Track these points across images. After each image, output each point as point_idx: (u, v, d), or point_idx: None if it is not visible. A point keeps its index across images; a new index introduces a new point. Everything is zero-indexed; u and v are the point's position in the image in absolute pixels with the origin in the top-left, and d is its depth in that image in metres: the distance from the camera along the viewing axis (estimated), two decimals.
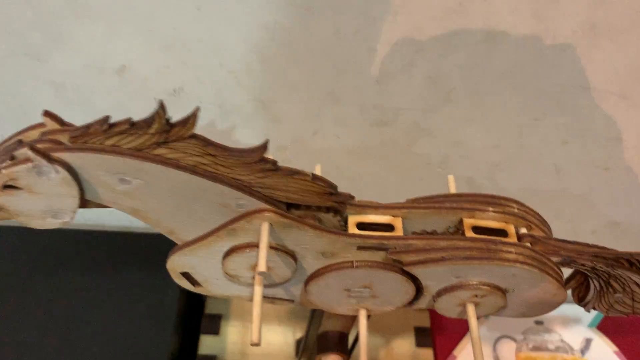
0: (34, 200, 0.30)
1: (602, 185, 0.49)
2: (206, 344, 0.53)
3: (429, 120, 0.43)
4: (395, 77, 0.40)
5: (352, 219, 0.35)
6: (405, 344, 0.55)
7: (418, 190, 0.51)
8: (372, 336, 0.55)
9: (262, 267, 0.30)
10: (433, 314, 0.57)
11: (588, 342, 0.60)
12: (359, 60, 0.39)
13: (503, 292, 0.35)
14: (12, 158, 0.28)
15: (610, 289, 0.36)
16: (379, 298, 0.36)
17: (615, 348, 0.60)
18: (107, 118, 0.27)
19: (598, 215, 0.52)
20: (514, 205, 0.36)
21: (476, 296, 0.35)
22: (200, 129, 0.45)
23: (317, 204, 0.33)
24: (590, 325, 0.60)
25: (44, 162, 0.27)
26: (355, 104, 0.42)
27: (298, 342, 0.54)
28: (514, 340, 0.58)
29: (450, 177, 0.42)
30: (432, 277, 0.35)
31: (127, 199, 0.31)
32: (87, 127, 0.27)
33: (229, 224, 0.33)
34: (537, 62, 0.39)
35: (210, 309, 0.55)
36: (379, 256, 0.34)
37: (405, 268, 0.34)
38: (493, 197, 0.36)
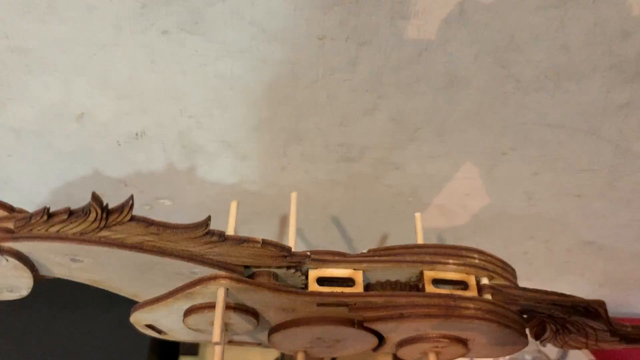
0: None
1: (574, 209, 0.49)
2: None
3: (396, 157, 0.43)
4: (358, 120, 0.40)
5: (313, 274, 0.35)
6: None
7: (390, 217, 0.51)
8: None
9: (216, 337, 0.30)
10: None
11: (565, 351, 0.60)
12: (320, 105, 0.38)
13: (464, 342, 0.35)
14: None
15: (566, 331, 0.37)
16: (334, 347, 0.36)
17: (591, 356, 0.60)
18: (46, 209, 0.26)
19: (572, 235, 0.52)
20: (476, 255, 0.36)
21: (437, 347, 0.36)
22: (165, 168, 0.45)
23: (272, 265, 0.33)
24: None
25: None
26: (320, 143, 0.42)
27: None
28: None
29: (417, 215, 0.42)
30: (393, 331, 0.35)
31: (82, 273, 0.31)
32: (29, 217, 0.26)
33: (186, 288, 0.33)
34: (502, 104, 0.39)
35: None
36: (339, 312, 0.34)
37: (365, 324, 0.34)
38: (454, 247, 0.36)
